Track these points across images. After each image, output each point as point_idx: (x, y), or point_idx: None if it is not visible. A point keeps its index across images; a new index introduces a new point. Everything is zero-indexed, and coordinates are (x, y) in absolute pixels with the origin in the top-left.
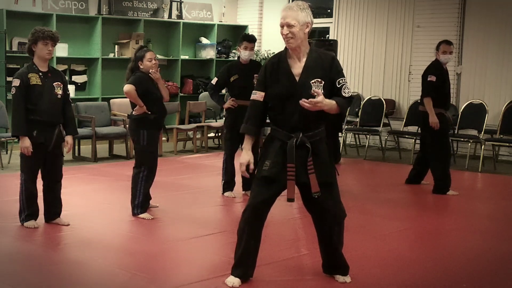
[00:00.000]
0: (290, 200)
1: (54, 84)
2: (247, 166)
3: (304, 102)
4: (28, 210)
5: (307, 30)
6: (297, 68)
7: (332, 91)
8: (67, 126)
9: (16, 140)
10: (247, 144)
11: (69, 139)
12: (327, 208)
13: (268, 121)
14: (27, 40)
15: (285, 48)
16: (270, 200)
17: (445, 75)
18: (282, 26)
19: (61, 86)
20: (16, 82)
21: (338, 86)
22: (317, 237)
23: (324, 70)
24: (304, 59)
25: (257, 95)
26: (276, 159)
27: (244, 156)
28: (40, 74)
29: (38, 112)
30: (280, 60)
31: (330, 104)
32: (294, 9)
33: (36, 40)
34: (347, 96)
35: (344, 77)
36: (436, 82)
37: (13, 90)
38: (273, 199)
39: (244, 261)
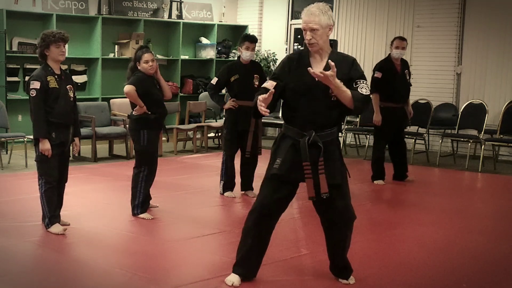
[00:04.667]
0: (311, 198)
1: (67, 87)
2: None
3: (314, 71)
4: (50, 213)
5: (330, 32)
6: (318, 67)
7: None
8: (74, 128)
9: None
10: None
11: (77, 140)
12: (337, 210)
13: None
14: (37, 45)
15: (306, 46)
16: (280, 201)
17: (394, 70)
18: (304, 30)
19: (72, 89)
20: (37, 85)
21: (355, 86)
22: (326, 239)
23: (344, 72)
24: (325, 60)
25: (268, 84)
26: (287, 157)
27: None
28: (56, 77)
29: (55, 114)
30: (301, 57)
31: (343, 89)
32: (316, 14)
33: (48, 45)
34: (364, 94)
35: (365, 80)
36: (381, 78)
37: (33, 93)
38: (285, 201)
39: (247, 261)
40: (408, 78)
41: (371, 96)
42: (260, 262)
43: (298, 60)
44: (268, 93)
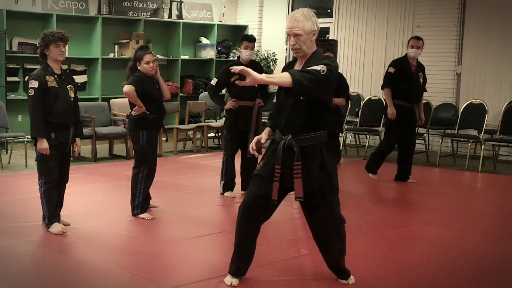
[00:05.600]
0: (273, 201)
1: (67, 87)
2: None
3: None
4: (50, 213)
5: (314, 38)
6: None
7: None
8: (76, 128)
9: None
10: (264, 132)
11: (78, 141)
12: (321, 216)
13: None
14: (37, 45)
15: None
16: (262, 199)
17: (409, 69)
18: (288, 36)
19: (73, 89)
20: (35, 84)
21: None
22: (316, 243)
23: (311, 65)
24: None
25: (275, 98)
26: (268, 160)
27: (260, 135)
28: (56, 76)
29: (55, 114)
30: (290, 64)
31: (273, 76)
32: (300, 20)
33: (47, 44)
34: (308, 68)
35: (326, 66)
36: (394, 74)
37: (31, 92)
38: (268, 200)
39: (238, 257)
40: (422, 82)
41: (383, 90)
42: (249, 260)
43: (287, 67)
44: (257, 140)
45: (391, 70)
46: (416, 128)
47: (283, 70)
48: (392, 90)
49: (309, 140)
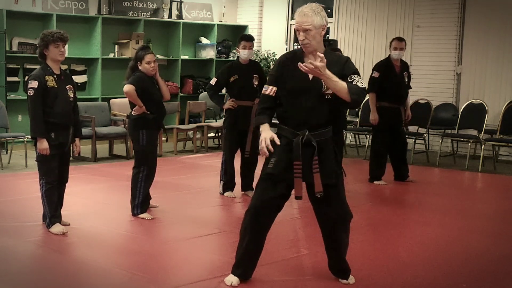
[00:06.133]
0: (298, 198)
1: (67, 87)
2: (268, 147)
3: (304, 65)
4: (51, 213)
5: (323, 32)
6: None
7: None
8: (75, 128)
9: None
10: (264, 130)
11: (77, 141)
12: (333, 209)
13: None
14: (37, 45)
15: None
16: (274, 201)
17: (393, 71)
18: (297, 31)
19: (72, 89)
20: (34, 84)
21: (350, 80)
22: (323, 238)
23: (336, 70)
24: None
25: (269, 90)
26: (282, 157)
27: (267, 133)
28: (55, 76)
29: (54, 114)
30: (296, 56)
31: (334, 79)
32: (308, 14)
33: (47, 44)
34: (360, 87)
35: (359, 75)
36: (379, 77)
37: (31, 92)
38: (279, 201)
39: (245, 262)
40: (407, 80)
41: (367, 95)
42: (255, 263)
43: (292, 60)
44: (272, 140)
45: (375, 74)
46: (403, 127)
47: (276, 67)
48: (377, 94)
49: (322, 135)
